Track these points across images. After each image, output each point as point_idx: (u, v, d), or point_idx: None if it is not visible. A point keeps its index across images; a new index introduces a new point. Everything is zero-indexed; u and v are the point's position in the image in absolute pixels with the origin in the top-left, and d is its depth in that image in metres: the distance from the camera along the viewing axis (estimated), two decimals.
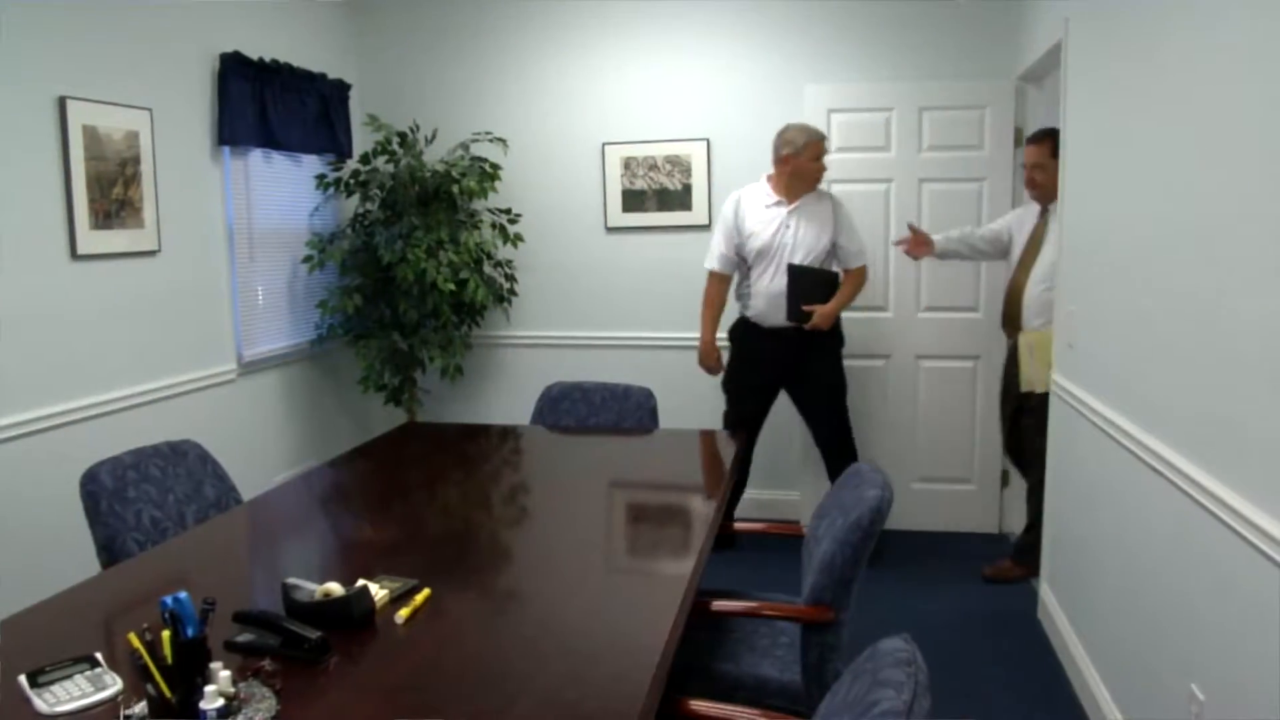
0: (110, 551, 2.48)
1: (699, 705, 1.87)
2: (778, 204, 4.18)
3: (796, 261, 4.12)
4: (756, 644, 2.50)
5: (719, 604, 2.39)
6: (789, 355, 4.25)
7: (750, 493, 4.62)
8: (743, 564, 4.10)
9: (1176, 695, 2.24)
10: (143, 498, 2.61)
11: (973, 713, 3.03)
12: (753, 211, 4.20)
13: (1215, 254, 2.07)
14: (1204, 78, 2.14)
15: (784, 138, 4.12)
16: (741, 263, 4.27)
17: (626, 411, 3.74)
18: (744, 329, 4.34)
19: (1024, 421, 3.99)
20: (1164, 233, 2.39)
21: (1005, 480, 4.68)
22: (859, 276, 4.27)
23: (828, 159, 4.25)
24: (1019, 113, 4.45)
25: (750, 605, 2.49)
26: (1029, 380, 3.85)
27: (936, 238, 4.26)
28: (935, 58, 4.57)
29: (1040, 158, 3.88)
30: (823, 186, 4.29)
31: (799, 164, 4.09)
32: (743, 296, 4.34)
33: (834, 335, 4.29)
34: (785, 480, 4.88)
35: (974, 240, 4.25)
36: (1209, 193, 2.10)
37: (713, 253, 4.31)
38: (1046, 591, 3.65)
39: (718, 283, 4.34)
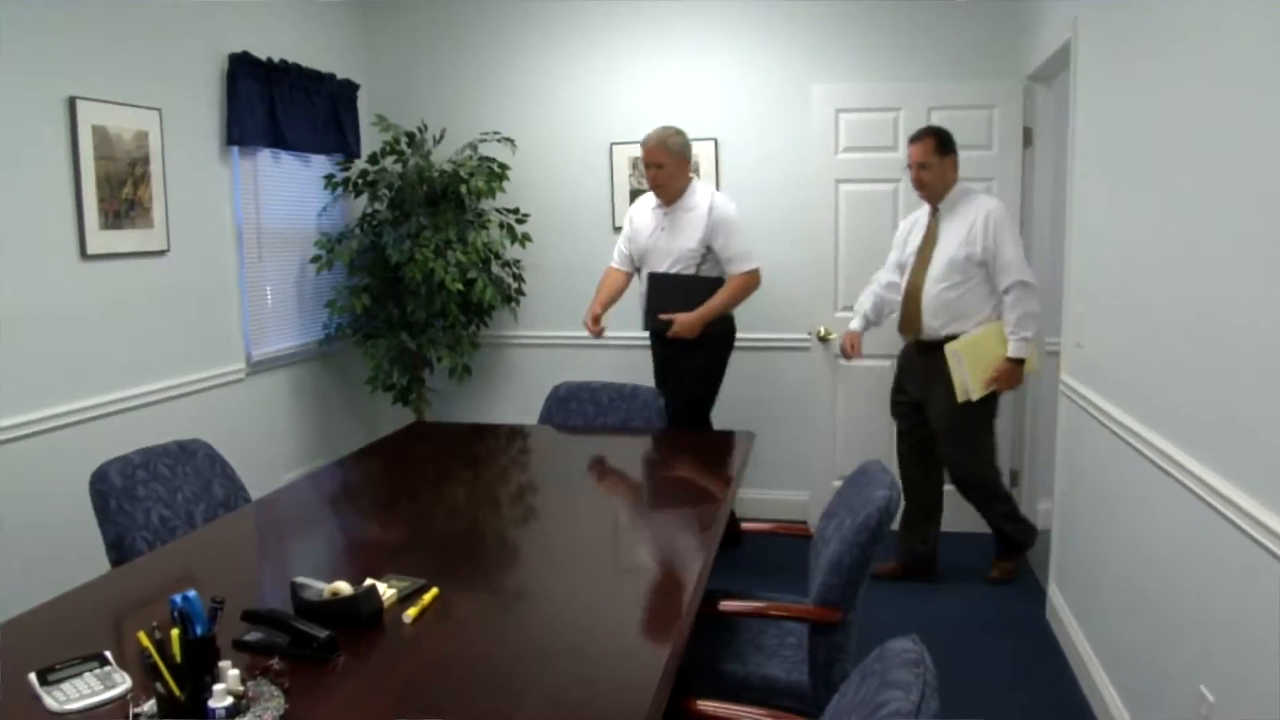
0: (119, 550, 2.49)
1: (706, 705, 1.87)
2: (658, 207, 4.17)
3: (665, 266, 4.10)
4: (764, 644, 2.50)
5: (726, 604, 2.39)
6: (663, 357, 4.28)
7: (758, 492, 4.62)
8: (748, 563, 4.09)
9: (1186, 697, 2.23)
10: (151, 496, 2.62)
11: (981, 714, 3.02)
12: (641, 213, 4.23)
13: (1227, 255, 2.06)
14: (1215, 77, 2.13)
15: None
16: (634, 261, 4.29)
17: (634, 411, 3.74)
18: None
19: (932, 429, 3.99)
20: (1175, 233, 2.38)
21: (1014, 480, 4.66)
22: (741, 283, 4.11)
23: (841, 158, 4.23)
24: (1028, 113, 4.42)
25: (758, 605, 2.48)
26: (963, 389, 3.83)
27: (854, 325, 4.15)
28: (943, 57, 4.56)
29: (924, 156, 3.86)
30: (715, 190, 4.24)
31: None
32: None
33: (706, 343, 4.13)
34: (793, 481, 4.87)
35: (885, 295, 4.13)
36: (1221, 192, 2.09)
37: (617, 246, 4.36)
38: (1054, 592, 3.64)
39: (612, 273, 4.36)
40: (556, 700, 1.61)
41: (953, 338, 3.83)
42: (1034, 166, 4.46)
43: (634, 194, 4.95)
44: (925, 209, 4.02)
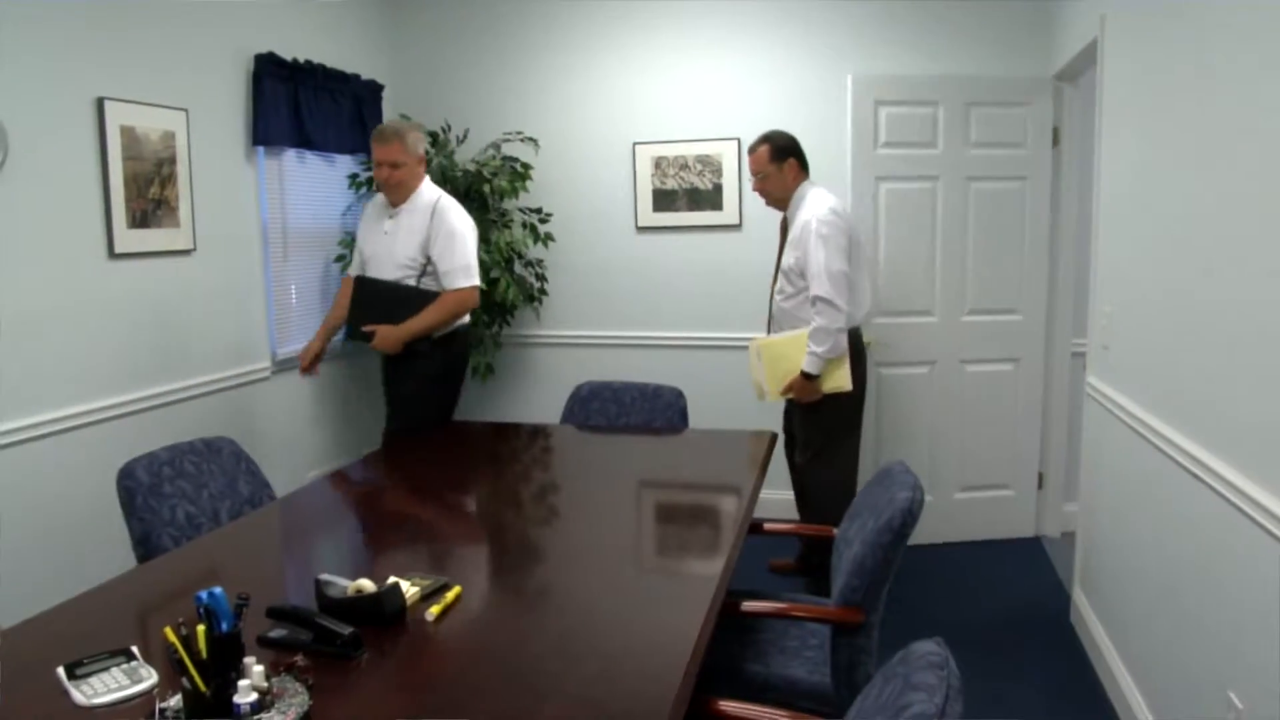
0: (146, 546, 2.51)
1: (728, 706, 1.86)
2: (387, 207, 3.80)
3: (388, 274, 3.70)
4: (786, 645, 2.49)
5: (749, 604, 2.38)
6: (386, 373, 3.94)
7: (780, 493, 4.59)
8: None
9: (1214, 703, 2.20)
10: (178, 494, 2.64)
11: (1005, 718, 3.00)
12: (372, 213, 3.87)
13: (1260, 255, 2.03)
14: (1248, 74, 2.11)
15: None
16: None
17: (657, 411, 3.73)
18: None
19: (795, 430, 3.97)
20: (1206, 234, 2.36)
21: (1041, 482, 4.63)
22: (453, 301, 3.69)
23: (881, 153, 4.15)
24: (1055, 111, 4.39)
25: (780, 606, 2.47)
26: (759, 388, 3.84)
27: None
28: (975, 52, 4.52)
29: (760, 165, 3.83)
30: (444, 192, 3.85)
31: None
32: None
33: (420, 364, 3.76)
34: None
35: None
36: (1253, 193, 2.07)
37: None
38: (1079, 595, 3.61)
39: (346, 285, 3.94)
40: (579, 699, 1.60)
41: None
42: (1061, 165, 4.41)
43: (657, 194, 4.96)
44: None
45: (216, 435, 2.91)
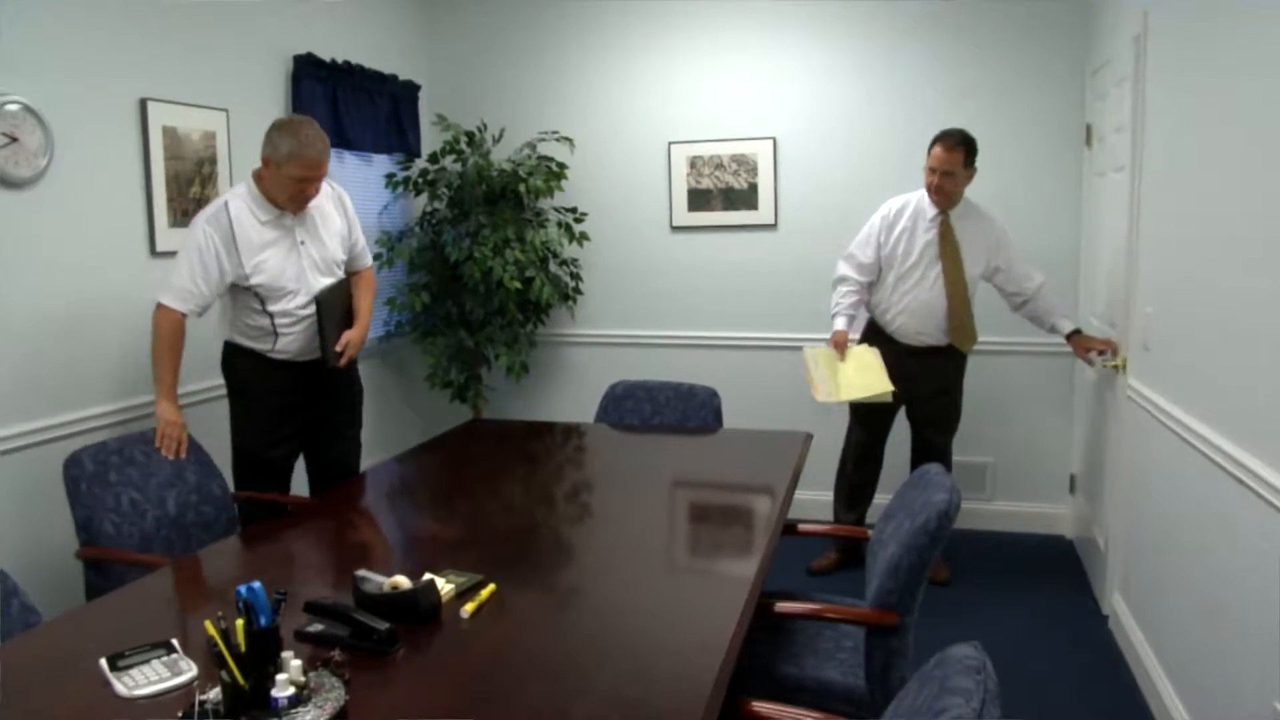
0: (88, 531, 2.64)
1: (761, 707, 1.85)
2: (280, 217, 3.08)
3: (319, 287, 3.14)
4: (819, 647, 2.48)
5: (782, 605, 2.37)
6: (328, 405, 3.35)
7: (815, 494, 4.57)
8: (804, 564, 4.06)
9: (1258, 713, 2.16)
10: (124, 481, 2.76)
11: None
12: (248, 232, 3.01)
13: None
14: None
15: (269, 134, 3.00)
16: (246, 298, 3.08)
17: (691, 411, 3.73)
18: (264, 365, 3.18)
19: (921, 421, 4.12)
20: (1253, 234, 2.31)
21: (1072, 485, 4.57)
22: (373, 280, 3.50)
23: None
24: (1089, 108, 4.34)
25: (814, 607, 2.46)
26: (824, 390, 3.93)
27: (839, 324, 4.03)
28: (1005, 49, 4.48)
29: (953, 165, 3.78)
30: None
31: (275, 175, 2.99)
32: (253, 332, 3.14)
33: (354, 370, 3.43)
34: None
35: (863, 297, 4.10)
36: None
37: (178, 289, 2.97)
38: (1118, 601, 3.55)
39: (178, 327, 3.00)
40: (612, 698, 1.61)
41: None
42: (1092, 164, 4.36)
43: (692, 194, 4.95)
44: (911, 208, 3.95)
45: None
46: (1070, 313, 4.12)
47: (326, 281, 3.17)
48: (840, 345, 3.98)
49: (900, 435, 4.18)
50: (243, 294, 3.07)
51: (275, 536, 2.56)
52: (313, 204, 3.13)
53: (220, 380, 3.29)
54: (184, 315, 2.99)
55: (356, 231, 3.35)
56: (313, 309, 3.12)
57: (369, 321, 3.37)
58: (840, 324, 4.02)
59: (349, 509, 2.81)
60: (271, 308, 3.08)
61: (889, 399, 3.89)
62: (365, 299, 3.38)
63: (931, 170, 3.81)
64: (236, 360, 3.19)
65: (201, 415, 3.60)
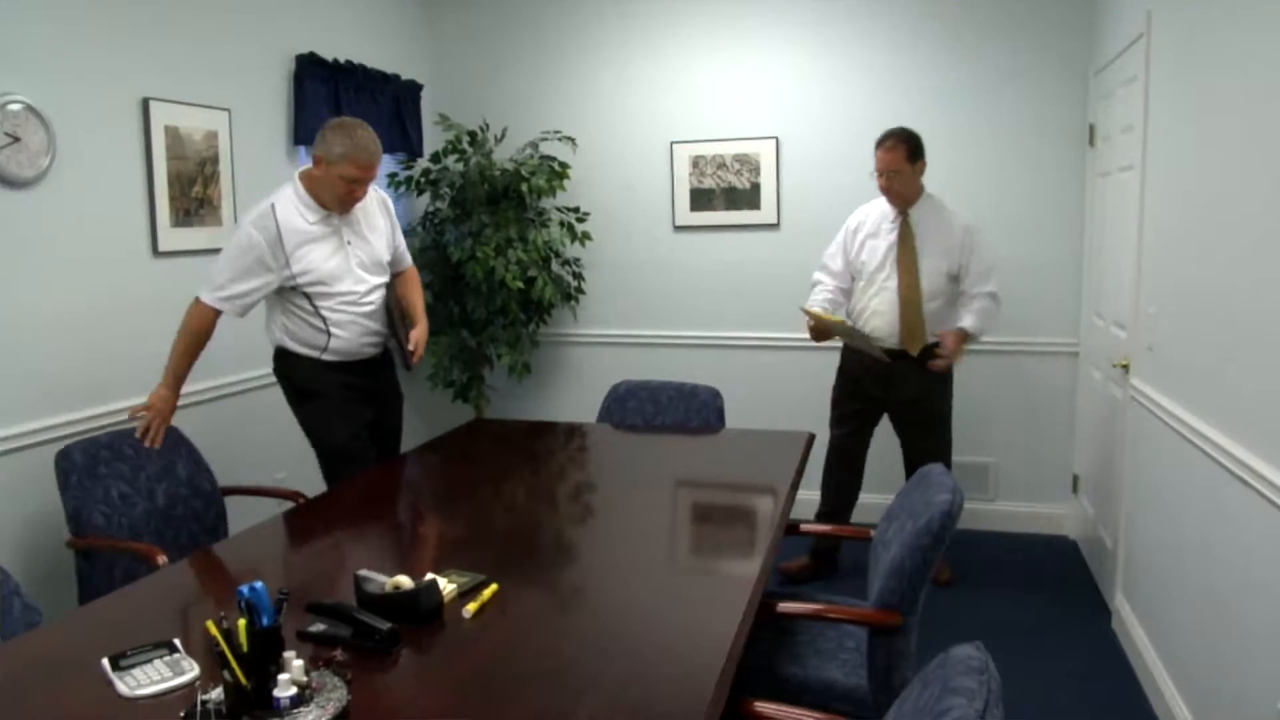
0: (77, 522, 2.73)
1: (764, 707, 1.85)
2: (326, 217, 3.09)
3: (365, 289, 3.15)
4: (822, 647, 2.47)
5: (785, 605, 2.36)
6: (380, 404, 3.38)
7: (818, 494, 4.57)
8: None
9: (1262, 715, 2.16)
10: (113, 474, 2.85)
11: None
12: (295, 232, 3.01)
13: None
14: None
15: (323, 134, 3.00)
16: (296, 300, 3.09)
17: (693, 411, 3.72)
18: (319, 367, 3.18)
19: (905, 427, 4.08)
20: (1258, 233, 2.31)
21: (1075, 485, 4.56)
22: (418, 277, 3.53)
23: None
24: (1091, 108, 4.34)
25: (816, 608, 2.46)
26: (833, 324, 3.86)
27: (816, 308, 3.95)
28: (1008, 48, 4.48)
29: (896, 164, 3.75)
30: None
31: (325, 174, 2.99)
32: (305, 334, 3.14)
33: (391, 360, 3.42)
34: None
35: (838, 300, 4.05)
36: None
37: (216, 287, 2.99)
38: (1121, 602, 3.55)
39: (205, 321, 3.02)
40: (615, 699, 1.60)
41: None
42: (1096, 164, 4.35)
43: (695, 193, 4.95)
44: (875, 213, 3.95)
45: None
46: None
47: (375, 280, 3.19)
48: (814, 329, 3.92)
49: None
50: (292, 295, 3.08)
51: (277, 535, 2.56)
52: (358, 205, 3.13)
53: (221, 380, 3.30)
54: (217, 314, 3.00)
55: (398, 233, 3.37)
56: (362, 308, 3.15)
57: (425, 318, 3.40)
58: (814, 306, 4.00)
59: (351, 508, 2.80)
60: (322, 307, 3.09)
61: (879, 353, 3.82)
62: (417, 298, 3.44)
63: (879, 174, 3.83)
64: (294, 365, 3.19)
65: (203, 414, 3.61)
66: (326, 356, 3.15)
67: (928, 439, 4.01)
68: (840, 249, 4.03)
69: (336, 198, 3.03)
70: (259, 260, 2.97)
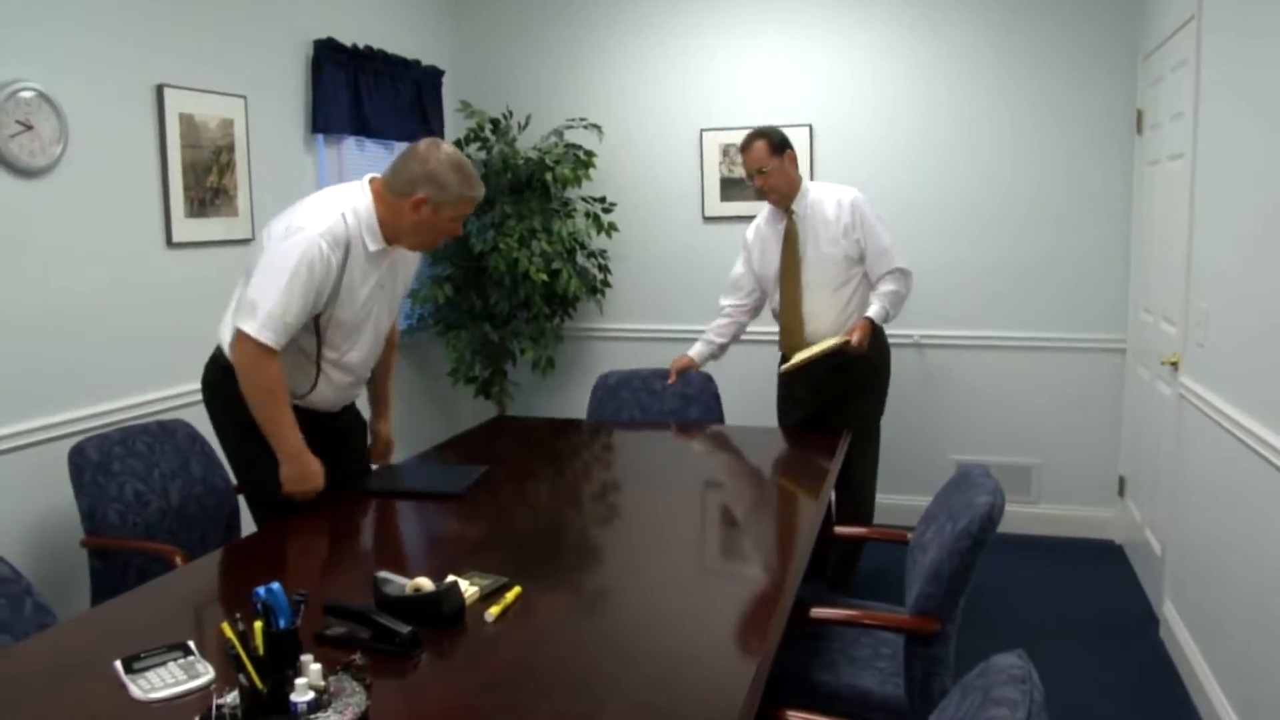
0: (92, 520, 2.67)
1: (796, 716, 1.79)
2: (383, 253, 2.61)
3: (375, 340, 2.77)
4: (856, 654, 2.40)
5: (818, 611, 2.29)
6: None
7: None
8: None
9: None
10: (127, 471, 2.80)
11: None
12: (356, 260, 2.54)
13: None
14: None
15: (432, 173, 2.52)
16: (301, 335, 2.54)
17: (689, 398, 3.79)
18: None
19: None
20: None
21: (1121, 487, 4.46)
22: (397, 340, 3.08)
23: None
24: (1140, 94, 4.23)
25: (851, 614, 2.40)
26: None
27: (694, 350, 3.88)
28: (1053, 31, 4.38)
29: (760, 161, 3.61)
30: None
31: (434, 217, 2.56)
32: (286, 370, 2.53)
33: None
34: (891, 484, 4.67)
35: (738, 319, 3.96)
36: None
37: (271, 317, 2.40)
38: (1169, 607, 3.45)
39: (278, 369, 2.48)
40: (639, 705, 1.55)
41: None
42: (1144, 152, 4.24)
43: (725, 182, 4.87)
44: (764, 221, 3.83)
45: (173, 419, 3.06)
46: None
47: (383, 334, 2.80)
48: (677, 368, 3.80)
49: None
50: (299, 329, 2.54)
51: (294, 536, 2.51)
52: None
53: None
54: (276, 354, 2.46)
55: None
56: (365, 368, 2.78)
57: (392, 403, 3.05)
58: (692, 350, 3.88)
59: (369, 508, 2.75)
60: (328, 356, 2.64)
61: (832, 348, 3.58)
62: (390, 371, 3.03)
63: (748, 177, 3.73)
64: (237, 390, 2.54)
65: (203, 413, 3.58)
66: (296, 403, 2.60)
67: (855, 456, 3.56)
68: (746, 265, 3.90)
69: (434, 238, 2.67)
70: (324, 278, 2.45)
